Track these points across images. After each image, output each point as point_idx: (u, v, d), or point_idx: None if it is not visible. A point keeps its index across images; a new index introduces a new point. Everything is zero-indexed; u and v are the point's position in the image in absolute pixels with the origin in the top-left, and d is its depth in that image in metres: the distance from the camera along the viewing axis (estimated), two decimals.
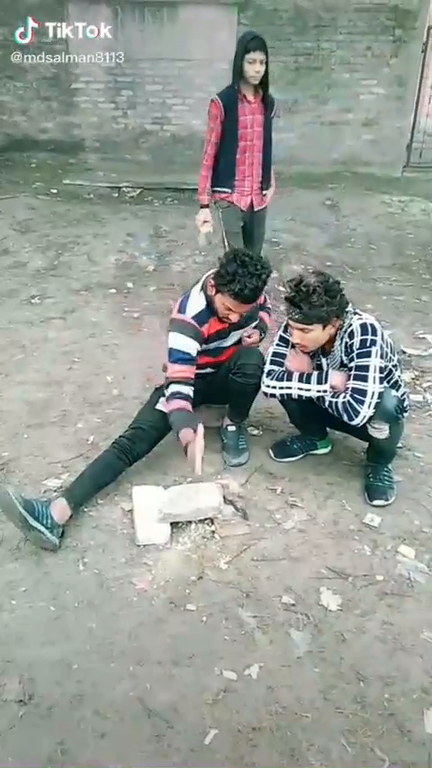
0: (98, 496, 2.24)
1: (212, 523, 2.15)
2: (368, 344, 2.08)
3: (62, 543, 2.04)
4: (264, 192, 3.41)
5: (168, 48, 6.34)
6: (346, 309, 2.14)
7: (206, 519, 2.15)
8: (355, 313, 2.16)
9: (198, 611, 1.85)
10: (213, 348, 2.42)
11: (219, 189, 3.33)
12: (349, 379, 2.12)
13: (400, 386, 2.28)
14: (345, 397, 2.11)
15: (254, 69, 3.11)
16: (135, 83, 6.57)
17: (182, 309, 2.29)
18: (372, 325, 2.10)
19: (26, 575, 1.96)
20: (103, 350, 3.33)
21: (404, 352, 3.33)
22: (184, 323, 2.26)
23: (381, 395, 2.09)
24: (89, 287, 4.11)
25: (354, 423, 2.11)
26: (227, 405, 2.56)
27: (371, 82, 6.71)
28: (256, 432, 2.69)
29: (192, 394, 2.25)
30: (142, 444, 2.30)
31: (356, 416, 2.08)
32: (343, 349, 2.15)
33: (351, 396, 2.09)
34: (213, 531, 2.13)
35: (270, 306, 2.69)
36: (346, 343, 2.13)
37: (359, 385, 2.08)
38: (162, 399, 2.34)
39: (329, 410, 2.18)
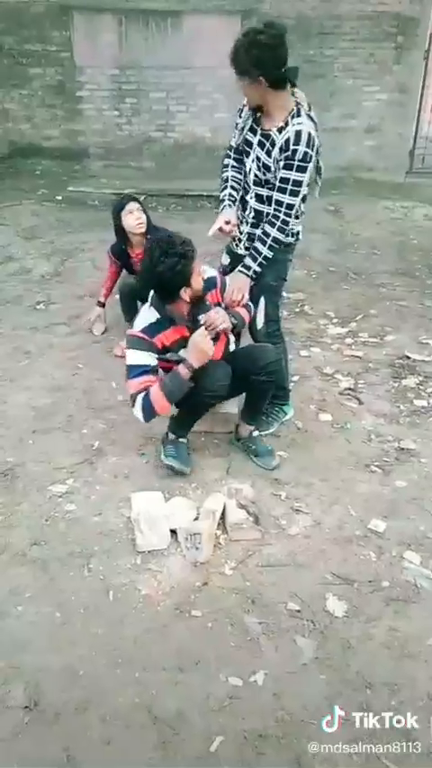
0: (104, 501, 2.24)
1: (221, 527, 2.15)
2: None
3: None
4: None
5: (172, 56, 6.37)
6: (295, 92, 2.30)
7: (217, 524, 2.14)
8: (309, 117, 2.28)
9: (203, 617, 1.85)
10: None
11: None
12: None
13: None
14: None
15: None
16: (139, 90, 6.61)
17: (132, 325, 2.33)
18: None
19: (31, 580, 1.96)
20: (107, 355, 3.33)
21: (408, 357, 3.33)
22: (134, 337, 2.26)
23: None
24: (94, 293, 4.10)
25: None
26: (227, 408, 2.55)
27: (374, 89, 6.72)
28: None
29: None
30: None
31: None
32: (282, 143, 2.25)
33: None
34: (218, 536, 2.13)
35: (249, 303, 2.53)
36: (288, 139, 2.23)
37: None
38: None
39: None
